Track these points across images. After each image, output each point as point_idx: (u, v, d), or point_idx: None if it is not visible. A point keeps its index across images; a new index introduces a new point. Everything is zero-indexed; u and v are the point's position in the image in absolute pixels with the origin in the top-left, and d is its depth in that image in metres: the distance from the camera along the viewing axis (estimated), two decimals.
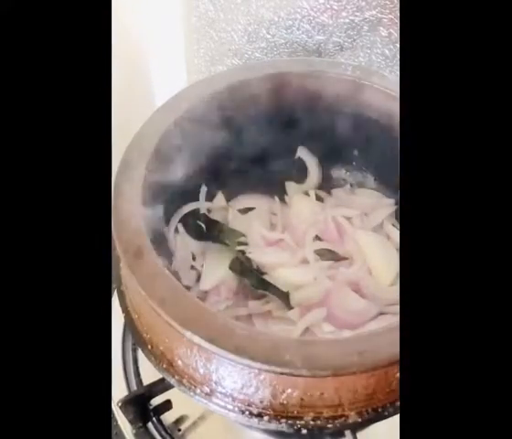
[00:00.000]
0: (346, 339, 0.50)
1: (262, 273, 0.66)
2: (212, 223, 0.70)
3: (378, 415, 0.48)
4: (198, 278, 0.65)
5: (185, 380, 0.49)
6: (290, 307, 0.62)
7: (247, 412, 0.47)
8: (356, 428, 0.52)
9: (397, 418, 0.43)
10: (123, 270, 0.54)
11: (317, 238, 0.69)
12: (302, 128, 0.69)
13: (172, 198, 0.66)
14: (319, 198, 0.74)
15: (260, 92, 0.66)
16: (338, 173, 0.76)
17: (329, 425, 0.47)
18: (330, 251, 0.68)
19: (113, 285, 0.56)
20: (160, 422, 0.59)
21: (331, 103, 0.67)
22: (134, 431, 0.56)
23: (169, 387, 0.54)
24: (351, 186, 0.75)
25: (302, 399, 0.46)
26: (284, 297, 0.63)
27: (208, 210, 0.72)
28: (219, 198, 0.73)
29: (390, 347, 0.43)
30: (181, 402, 0.57)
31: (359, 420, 0.47)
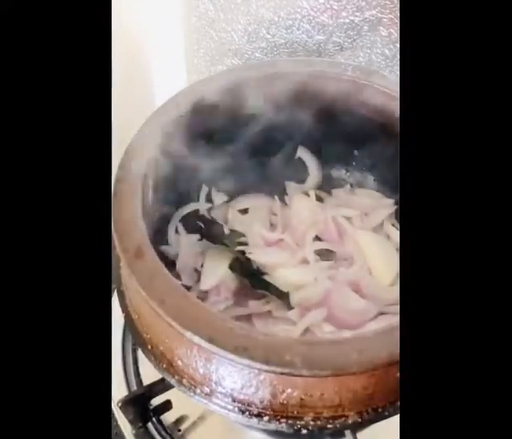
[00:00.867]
0: (345, 339, 0.50)
1: (262, 273, 0.66)
2: (212, 224, 0.70)
3: (378, 415, 0.48)
4: (198, 278, 0.65)
5: (185, 380, 0.49)
6: (290, 307, 0.62)
7: (247, 412, 0.48)
8: (356, 428, 0.52)
9: (397, 418, 0.43)
10: (123, 270, 0.54)
11: (317, 238, 0.69)
12: (302, 128, 0.69)
13: (172, 198, 0.66)
14: (319, 199, 0.74)
15: (259, 92, 0.66)
16: (338, 173, 0.76)
17: (329, 425, 0.47)
18: (330, 251, 0.68)
19: (113, 285, 0.56)
20: (160, 422, 0.59)
21: (331, 103, 0.67)
22: (134, 431, 0.56)
23: (169, 387, 0.54)
24: (351, 186, 0.75)
25: (302, 399, 0.46)
26: (284, 297, 0.63)
27: (208, 211, 0.72)
28: (219, 199, 0.73)
29: (390, 347, 0.43)
30: (181, 402, 0.57)
31: (359, 420, 0.47)
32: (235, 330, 0.44)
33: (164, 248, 0.66)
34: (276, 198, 0.73)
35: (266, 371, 0.44)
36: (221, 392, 0.48)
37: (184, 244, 0.67)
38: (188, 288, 0.63)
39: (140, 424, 0.55)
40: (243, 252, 0.67)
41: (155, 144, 0.58)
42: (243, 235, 0.69)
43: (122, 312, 0.55)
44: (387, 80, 0.66)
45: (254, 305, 0.63)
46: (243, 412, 0.48)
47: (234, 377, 0.46)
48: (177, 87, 0.65)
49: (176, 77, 0.89)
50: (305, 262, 0.66)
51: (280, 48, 0.78)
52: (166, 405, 0.58)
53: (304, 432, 0.47)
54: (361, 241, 0.67)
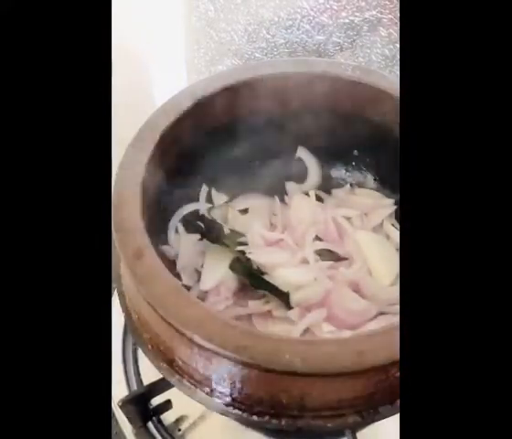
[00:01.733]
0: (345, 339, 0.50)
1: (262, 273, 0.65)
2: (212, 224, 0.70)
3: (378, 415, 0.48)
4: (198, 278, 0.65)
5: (185, 380, 0.49)
6: (290, 307, 0.62)
7: (247, 412, 0.48)
8: (356, 428, 0.52)
9: (397, 418, 0.43)
10: (123, 270, 0.54)
11: (317, 238, 0.69)
12: (302, 128, 0.69)
13: (172, 198, 0.66)
14: (319, 199, 0.74)
15: (260, 93, 0.66)
16: (338, 173, 0.76)
17: (329, 425, 0.47)
18: (330, 251, 0.68)
19: (113, 285, 0.56)
20: (160, 421, 0.59)
21: (331, 103, 0.67)
22: (134, 431, 0.56)
23: (169, 387, 0.54)
24: (351, 186, 0.75)
25: (302, 399, 0.46)
26: (284, 297, 0.63)
27: (209, 211, 0.72)
28: (219, 199, 0.73)
29: (390, 347, 0.42)
30: (181, 402, 0.57)
31: (359, 420, 0.47)
32: (235, 330, 0.44)
33: (164, 248, 0.66)
34: (276, 198, 0.73)
35: (266, 371, 0.44)
36: (221, 392, 0.48)
37: (184, 244, 0.67)
38: (188, 288, 0.63)
39: (140, 424, 0.55)
40: (243, 252, 0.67)
41: (155, 144, 0.58)
42: (243, 235, 0.69)
43: (123, 312, 0.55)
44: (387, 80, 0.66)
45: (254, 305, 0.63)
46: (243, 412, 0.48)
47: (234, 377, 0.46)
48: (177, 87, 0.65)
49: (176, 77, 0.89)
50: (305, 262, 0.66)
51: (280, 48, 0.78)
52: (166, 405, 0.58)
53: (304, 431, 0.47)
54: (361, 241, 0.67)
